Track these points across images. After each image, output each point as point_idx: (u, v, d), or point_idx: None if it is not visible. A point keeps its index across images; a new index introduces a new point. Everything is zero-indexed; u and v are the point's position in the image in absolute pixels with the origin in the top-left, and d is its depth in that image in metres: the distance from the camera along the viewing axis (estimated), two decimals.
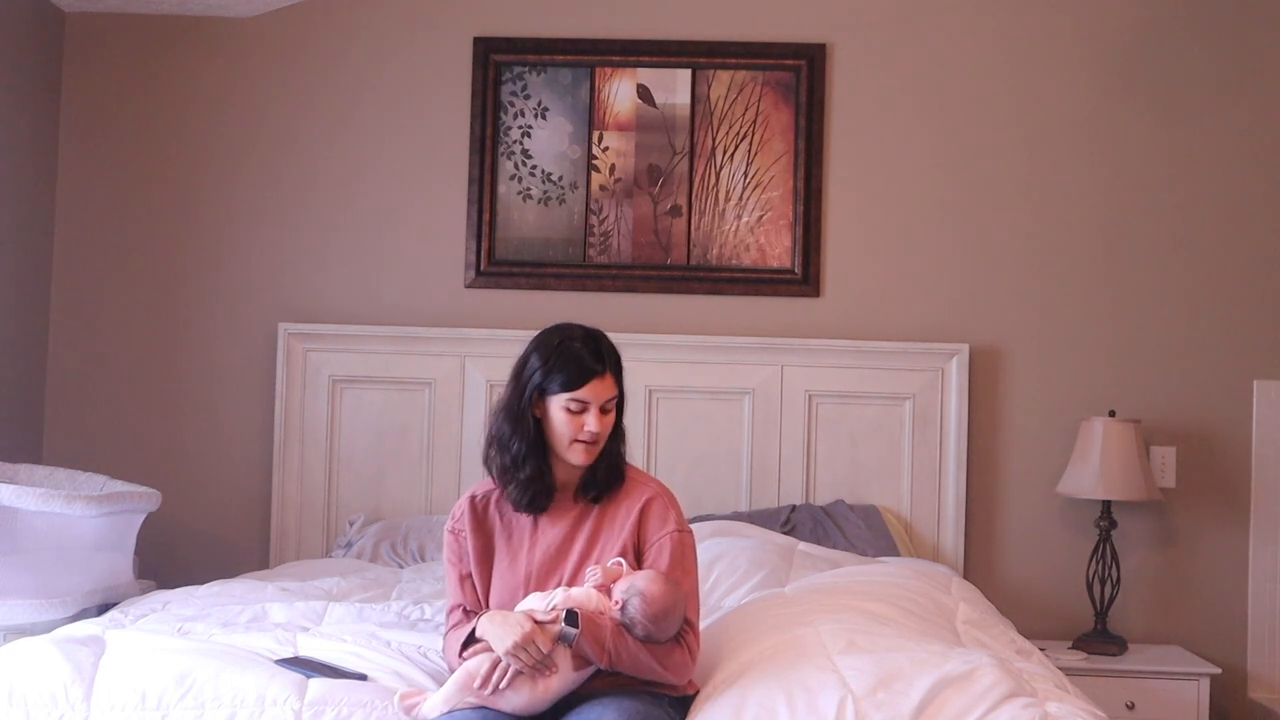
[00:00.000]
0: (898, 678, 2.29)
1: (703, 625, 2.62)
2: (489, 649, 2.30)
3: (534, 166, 4.18)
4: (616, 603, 2.32)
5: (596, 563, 2.44)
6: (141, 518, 3.52)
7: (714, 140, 4.16)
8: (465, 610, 2.49)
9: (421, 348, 4.10)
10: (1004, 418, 4.09)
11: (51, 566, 3.19)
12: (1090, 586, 3.90)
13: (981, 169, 4.13)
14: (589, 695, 2.31)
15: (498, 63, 4.19)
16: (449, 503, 4.01)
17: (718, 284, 4.14)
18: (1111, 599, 3.90)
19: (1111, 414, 3.91)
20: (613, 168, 4.17)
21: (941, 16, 4.16)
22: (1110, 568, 3.89)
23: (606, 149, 4.17)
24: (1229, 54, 4.10)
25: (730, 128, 4.16)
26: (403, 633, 2.73)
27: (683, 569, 2.43)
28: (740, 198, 4.15)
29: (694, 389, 4.07)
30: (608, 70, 4.18)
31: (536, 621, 2.28)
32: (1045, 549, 4.06)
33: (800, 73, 4.14)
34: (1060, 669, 2.76)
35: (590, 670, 2.31)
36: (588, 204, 4.17)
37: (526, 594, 2.44)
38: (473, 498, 2.56)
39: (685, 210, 4.16)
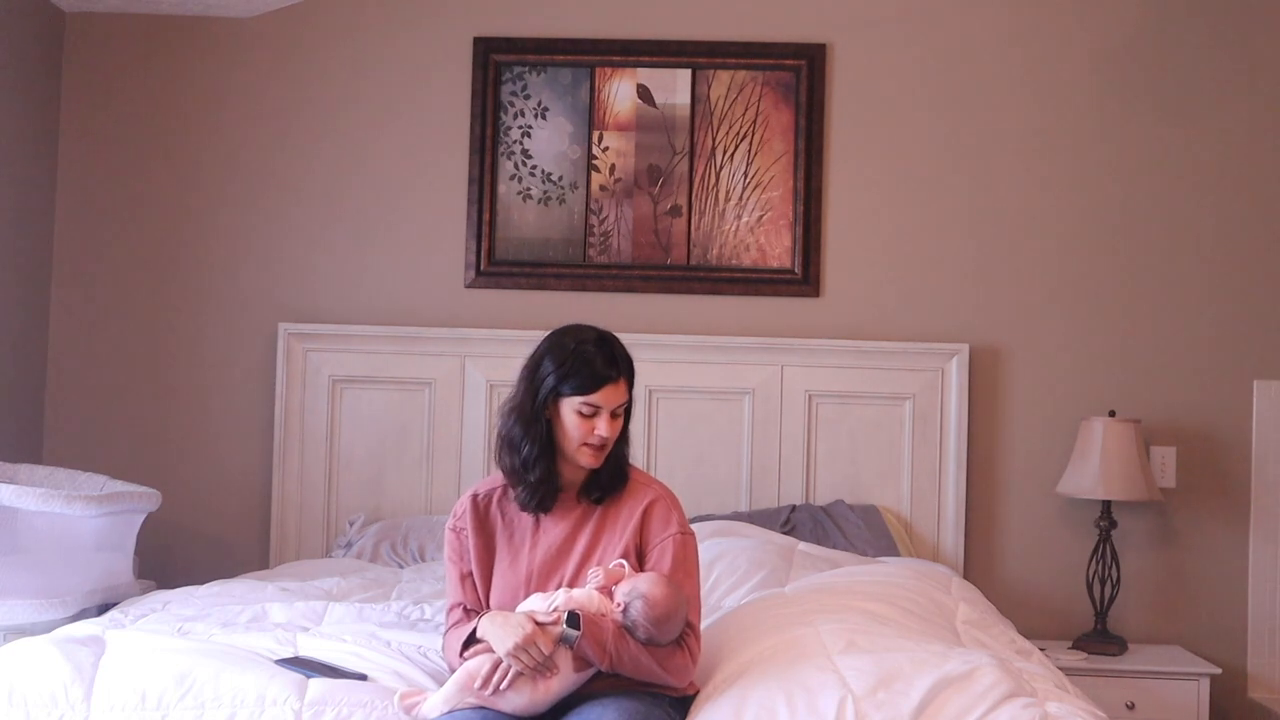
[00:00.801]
0: (898, 678, 2.29)
1: (703, 626, 2.62)
2: (489, 649, 2.30)
3: (534, 166, 4.18)
4: (618, 605, 2.32)
5: (598, 564, 2.43)
6: (141, 518, 3.52)
7: (714, 140, 4.16)
8: (465, 609, 2.49)
9: (421, 348, 4.10)
10: (1004, 418, 4.09)
11: (51, 566, 3.19)
12: (1090, 586, 3.90)
13: (981, 169, 4.13)
14: (589, 695, 2.31)
15: (498, 63, 4.19)
16: (449, 503, 4.01)
17: (718, 284, 4.14)
18: (1111, 599, 3.90)
19: (1111, 414, 3.91)
20: (613, 168, 4.17)
21: (942, 16, 4.16)
22: (1110, 568, 3.89)
23: (606, 149, 4.17)
24: (1229, 54, 4.10)
25: (730, 128, 4.16)
26: (403, 633, 2.73)
27: (685, 571, 2.43)
28: (740, 198, 4.15)
29: (694, 389, 4.07)
30: (608, 70, 4.18)
31: (538, 623, 2.27)
32: (1045, 549, 4.06)
33: (800, 73, 4.14)
34: (1060, 669, 2.76)
35: (591, 672, 2.31)
36: (588, 204, 4.17)
37: (527, 594, 2.43)
38: (475, 496, 2.55)
39: (685, 210, 4.16)
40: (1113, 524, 3.90)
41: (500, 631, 2.27)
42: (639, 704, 2.26)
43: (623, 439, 2.52)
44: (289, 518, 4.08)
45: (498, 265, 4.17)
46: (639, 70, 4.18)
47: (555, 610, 2.31)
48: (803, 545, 3.60)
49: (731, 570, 3.28)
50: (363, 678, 2.42)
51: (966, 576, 3.94)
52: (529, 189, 4.18)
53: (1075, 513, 4.04)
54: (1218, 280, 4.08)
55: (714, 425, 4.07)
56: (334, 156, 4.21)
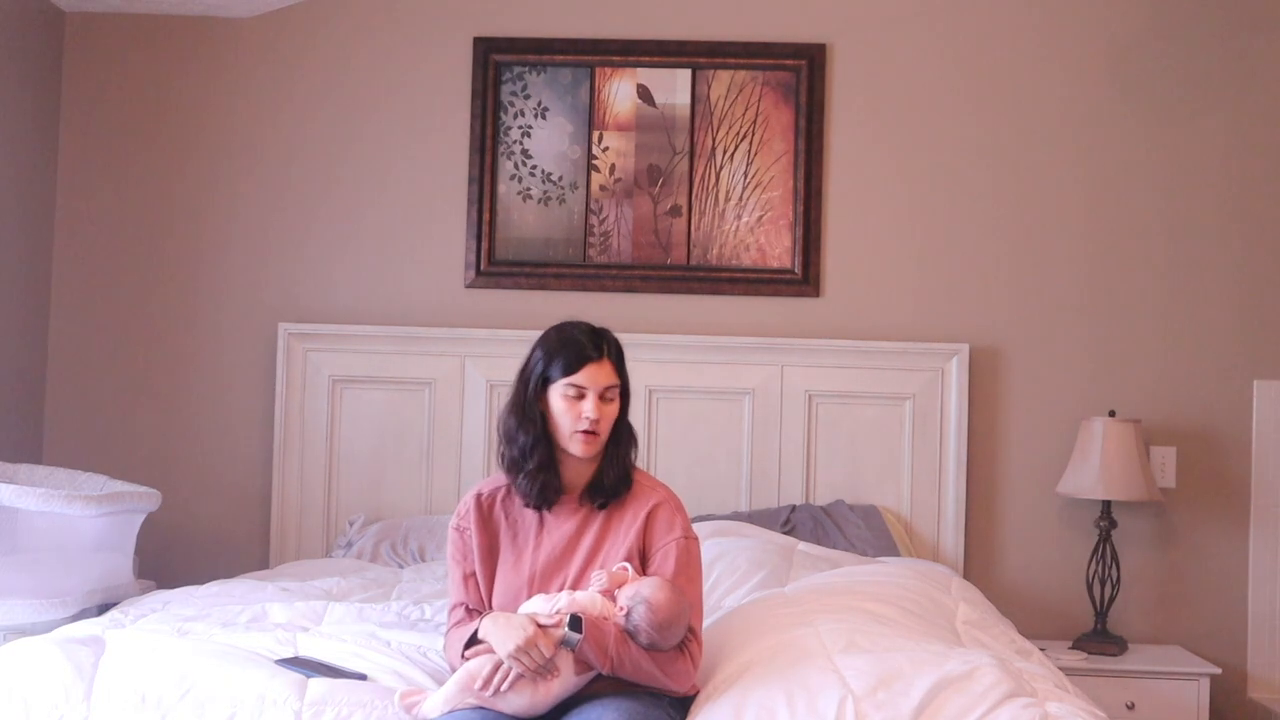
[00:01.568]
0: (898, 678, 2.29)
1: (703, 627, 2.62)
2: (491, 650, 2.29)
3: (534, 166, 4.18)
4: (621, 609, 2.31)
5: (601, 566, 2.43)
6: (141, 518, 3.52)
7: (714, 140, 4.16)
8: (468, 609, 2.49)
9: (421, 348, 4.10)
10: (1004, 418, 4.09)
11: (51, 566, 3.19)
12: (1090, 586, 3.90)
13: (981, 169, 4.13)
14: (589, 696, 2.31)
15: (498, 63, 4.19)
16: (449, 503, 4.02)
17: (718, 284, 4.14)
18: (1111, 599, 3.90)
19: (1111, 414, 3.91)
20: (613, 168, 4.17)
21: (941, 17, 4.16)
22: (1110, 568, 3.89)
23: (606, 149, 4.17)
24: (1228, 54, 4.09)
25: (730, 128, 4.16)
26: (403, 633, 2.73)
27: (688, 576, 2.43)
28: (740, 198, 4.15)
29: (694, 389, 4.07)
30: (608, 70, 4.18)
31: (539, 625, 2.27)
32: (1045, 549, 4.06)
33: (800, 73, 4.14)
34: (1060, 669, 2.76)
35: (591, 674, 2.30)
36: (588, 204, 4.17)
37: (530, 594, 2.43)
38: (479, 495, 2.55)
39: (685, 210, 4.16)
40: (1113, 524, 3.90)
41: (501, 633, 2.27)
42: (639, 704, 2.26)
43: (623, 440, 2.52)
44: (289, 518, 4.08)
45: (498, 265, 4.17)
46: (639, 70, 4.18)
47: (557, 612, 2.30)
48: (803, 545, 3.60)
49: (731, 570, 3.28)
50: (363, 678, 2.42)
51: (966, 576, 3.94)
52: (529, 189, 4.18)
53: (1075, 513, 4.04)
54: (1218, 280, 4.08)
55: (714, 425, 4.07)
56: (333, 156, 4.21)
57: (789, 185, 4.14)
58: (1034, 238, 4.12)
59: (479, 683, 2.25)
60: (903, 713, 2.20)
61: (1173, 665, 3.75)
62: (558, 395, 2.46)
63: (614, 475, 2.49)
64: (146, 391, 4.20)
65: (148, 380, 4.20)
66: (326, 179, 4.21)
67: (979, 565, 4.06)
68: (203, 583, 3.28)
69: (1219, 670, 3.74)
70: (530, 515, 2.52)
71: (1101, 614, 3.89)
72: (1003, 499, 4.08)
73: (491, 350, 4.05)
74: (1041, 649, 3.07)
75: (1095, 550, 3.91)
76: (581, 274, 4.15)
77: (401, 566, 3.69)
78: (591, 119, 4.18)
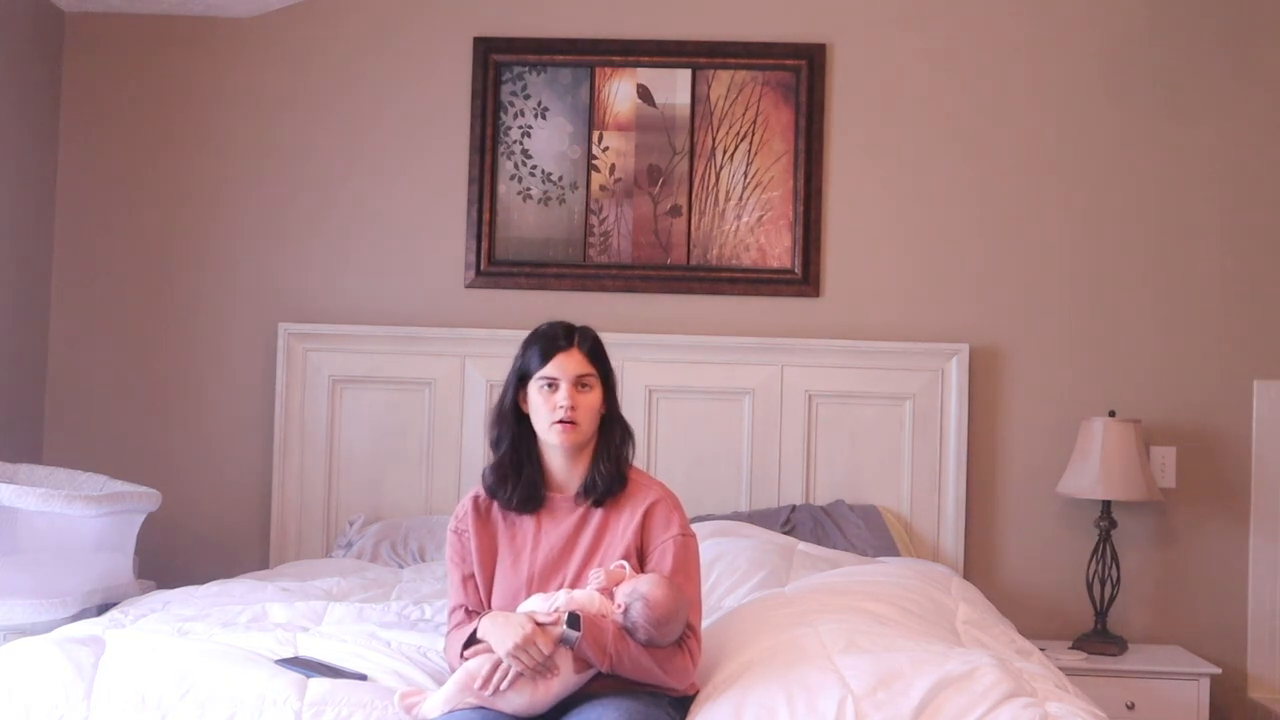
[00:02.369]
0: (898, 678, 2.29)
1: (703, 627, 2.62)
2: (490, 650, 2.29)
3: (534, 166, 4.18)
4: (619, 606, 2.31)
5: (599, 565, 2.43)
6: (141, 518, 3.52)
7: (714, 140, 4.16)
8: (467, 610, 2.49)
9: (421, 348, 4.10)
10: (1004, 418, 4.09)
11: (51, 566, 3.19)
12: (1090, 586, 3.90)
13: (982, 168, 4.14)
14: (589, 695, 2.31)
15: (498, 63, 4.19)
16: (449, 503, 4.02)
17: (718, 284, 4.14)
18: (1111, 599, 3.90)
19: (1111, 414, 3.91)
20: (613, 168, 4.17)
21: (941, 16, 4.16)
22: (1110, 568, 3.89)
23: (606, 149, 4.17)
24: (1228, 54, 4.09)
25: (730, 128, 4.16)
26: (403, 633, 2.73)
27: (686, 574, 2.43)
28: (740, 198, 4.15)
29: (694, 389, 4.07)
30: (608, 70, 4.18)
31: (538, 623, 2.27)
32: (1045, 549, 4.06)
33: (800, 73, 4.14)
34: (1060, 669, 2.76)
35: (591, 673, 2.30)
36: (588, 204, 4.17)
37: (529, 595, 2.43)
38: (476, 498, 2.56)
39: (685, 210, 4.16)
40: (1113, 524, 3.90)
41: (500, 632, 2.27)
42: (639, 704, 2.26)
43: (615, 437, 2.52)
44: (289, 518, 4.08)
45: (498, 265, 4.17)
46: (639, 70, 4.18)
47: (556, 611, 2.30)
48: (803, 545, 3.60)
49: (731, 570, 3.28)
50: (363, 678, 2.42)
51: (966, 576, 3.94)
52: (529, 189, 4.18)
53: (1075, 513, 4.04)
54: (1218, 280, 4.08)
55: (714, 425, 4.07)
56: (334, 156, 4.21)
57: (789, 185, 4.14)
58: (1034, 238, 4.12)
59: (478, 682, 2.25)
60: (903, 713, 2.20)
61: (1173, 665, 3.75)
62: (535, 391, 2.49)
63: (606, 471, 2.49)
64: (146, 391, 4.20)
65: (148, 380, 4.20)
66: (326, 179, 4.21)
67: (979, 565, 4.06)
68: (203, 583, 3.28)
69: (1219, 670, 3.74)
70: (527, 517, 2.52)
71: (1101, 614, 3.89)
72: (1003, 499, 4.08)
73: (491, 350, 4.05)
74: (1041, 649, 3.07)
75: (1095, 550, 3.91)
76: (581, 274, 4.15)
77: (401, 566, 3.69)
78: (591, 119, 4.18)
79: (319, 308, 4.19)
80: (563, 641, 2.25)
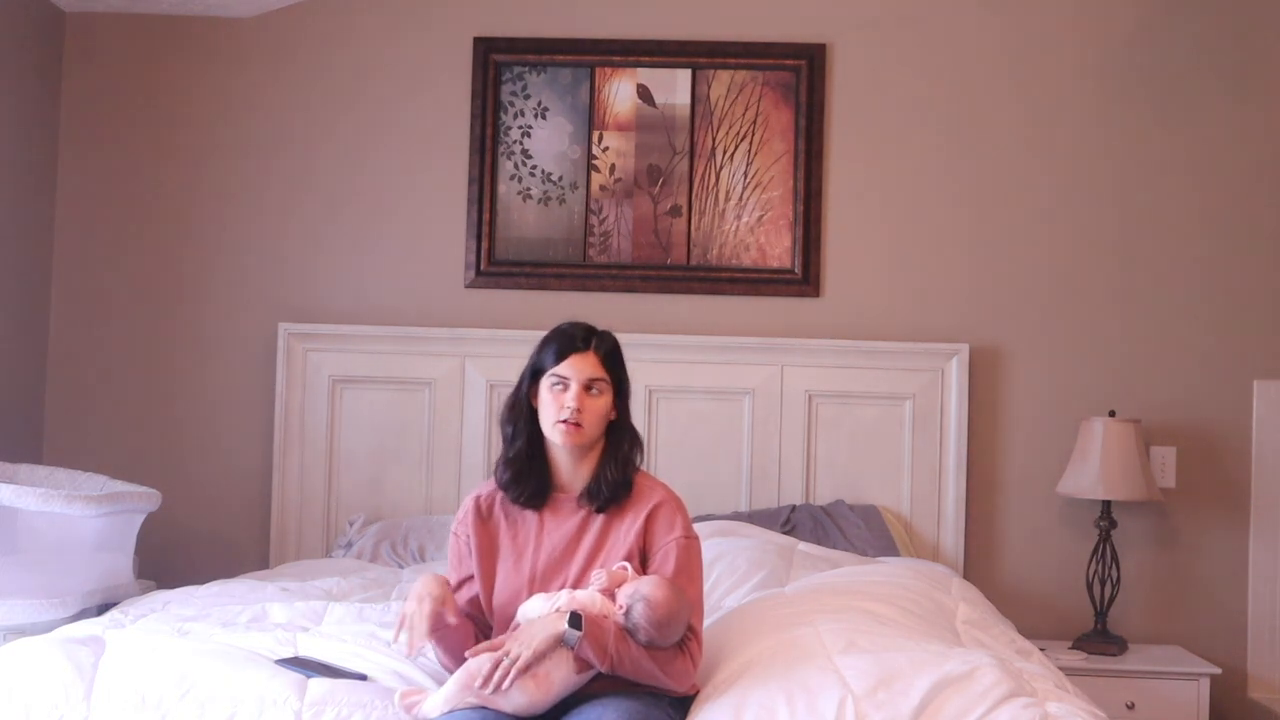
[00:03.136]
0: (898, 678, 2.29)
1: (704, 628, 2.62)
2: (493, 648, 2.30)
3: (534, 166, 4.18)
4: (621, 607, 2.31)
5: (602, 566, 2.43)
6: (141, 518, 3.52)
7: (714, 140, 4.16)
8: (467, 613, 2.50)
9: (421, 348, 4.10)
10: (1004, 418, 4.09)
11: (51, 566, 3.19)
12: (1090, 586, 3.90)
13: (982, 169, 4.14)
14: (589, 695, 2.30)
15: (498, 63, 4.19)
16: (449, 503, 4.03)
17: (718, 284, 4.14)
18: (1111, 599, 3.90)
19: (1111, 414, 3.91)
20: (613, 168, 4.17)
21: (942, 16, 4.16)
22: (1110, 568, 3.89)
23: (606, 149, 4.17)
24: (1229, 54, 4.10)
25: (730, 128, 4.16)
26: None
27: (688, 576, 2.43)
28: (740, 198, 4.15)
29: (694, 389, 4.07)
30: (608, 70, 4.18)
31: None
32: (1045, 549, 4.06)
33: (800, 73, 4.14)
34: (1060, 669, 2.75)
35: (591, 673, 2.30)
36: (588, 204, 4.17)
37: (530, 595, 2.43)
38: (477, 498, 2.56)
39: (685, 210, 4.16)
40: (1113, 524, 3.90)
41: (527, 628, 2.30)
42: (639, 704, 2.26)
43: (623, 444, 2.52)
44: (289, 518, 4.08)
45: (498, 265, 4.17)
46: (639, 70, 4.18)
47: (558, 610, 2.31)
48: (803, 545, 3.60)
49: (731, 570, 3.28)
50: (363, 678, 2.42)
51: (966, 576, 3.94)
52: (529, 189, 4.18)
53: (1075, 513, 4.04)
54: (1218, 280, 4.08)
55: (714, 425, 4.07)
56: (334, 156, 4.21)
57: (789, 185, 4.14)
58: (1034, 237, 4.12)
59: (480, 681, 2.25)
60: (903, 713, 2.20)
61: (1173, 665, 3.75)
62: (545, 387, 2.49)
63: (611, 477, 2.48)
64: (146, 391, 4.20)
65: (148, 380, 4.20)
66: (326, 179, 4.21)
67: (979, 565, 4.06)
68: (203, 583, 3.28)
69: (1219, 670, 3.74)
70: (531, 516, 2.52)
71: (1101, 614, 3.89)
72: (1003, 499, 4.08)
73: (491, 350, 4.05)
74: (1041, 649, 3.07)
75: (1095, 550, 3.91)
76: (581, 274, 4.15)
77: (401, 566, 3.69)
78: (591, 119, 4.18)
79: (319, 308, 4.18)
80: (564, 642, 2.25)
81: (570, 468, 2.51)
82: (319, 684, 2.35)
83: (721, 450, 4.07)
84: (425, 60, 4.21)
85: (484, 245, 4.16)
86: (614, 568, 2.41)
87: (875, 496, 4.04)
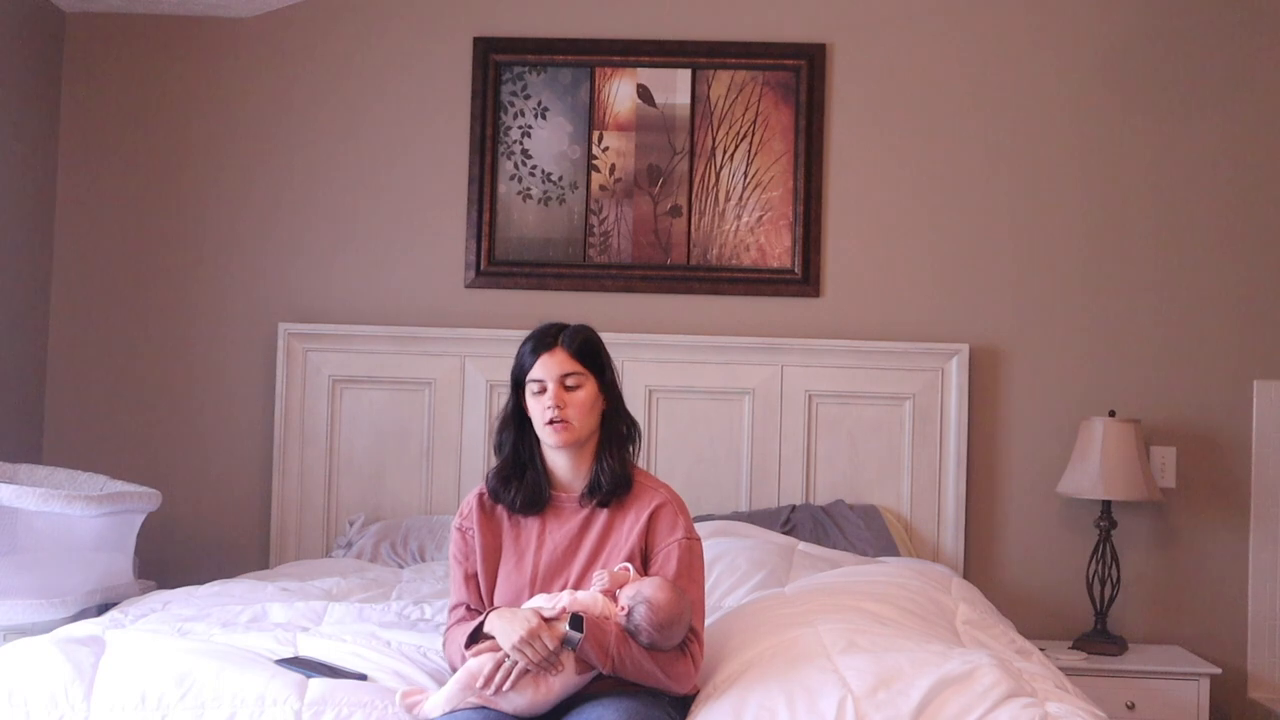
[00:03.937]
0: (898, 678, 2.29)
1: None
2: (494, 648, 2.29)
3: (534, 166, 4.18)
4: (622, 609, 2.31)
5: (603, 567, 2.43)
6: (141, 518, 3.52)
7: (714, 140, 4.16)
8: (469, 608, 2.49)
9: (421, 348, 4.10)
10: (1004, 418, 4.09)
11: (51, 566, 3.19)
12: (1090, 586, 3.90)
13: (981, 169, 4.14)
14: (590, 695, 2.30)
15: (498, 63, 4.19)
16: (449, 503, 4.03)
17: (718, 284, 4.14)
18: (1111, 599, 3.90)
19: (1111, 414, 3.91)
20: (613, 168, 4.17)
21: (941, 17, 4.16)
22: (1110, 568, 3.89)
23: (606, 149, 4.17)
24: (1227, 54, 4.10)
25: (730, 128, 4.16)
26: (403, 633, 2.73)
27: (690, 577, 2.43)
28: (740, 198, 4.15)
29: (694, 389, 4.07)
30: (608, 70, 4.18)
31: (543, 618, 2.28)
32: (1045, 549, 4.06)
33: (800, 73, 4.14)
34: (1060, 669, 2.76)
35: (592, 674, 2.30)
36: (588, 204, 4.17)
37: (532, 595, 2.43)
38: (481, 495, 2.56)
39: (685, 210, 4.16)
40: (1113, 524, 3.90)
41: (506, 625, 2.28)
42: (639, 704, 2.26)
43: (615, 436, 2.52)
44: (289, 518, 4.08)
45: (498, 265, 4.17)
46: (639, 70, 4.18)
47: (559, 610, 2.30)
48: (803, 545, 3.60)
49: (731, 570, 3.28)
50: (363, 678, 2.42)
51: (966, 576, 3.94)
52: (529, 189, 4.18)
53: (1075, 513, 4.04)
54: (1218, 280, 4.08)
55: (714, 425, 4.07)
56: (333, 156, 4.21)
57: (789, 185, 4.14)
58: (1034, 238, 4.12)
59: (480, 681, 2.25)
60: (903, 713, 2.20)
61: (1173, 665, 3.75)
62: (530, 397, 2.50)
63: (609, 468, 2.49)
64: (146, 391, 4.20)
65: (148, 380, 4.20)
66: (327, 179, 4.21)
67: (979, 565, 4.06)
68: (203, 583, 3.28)
69: (1219, 670, 3.74)
70: (533, 516, 2.52)
71: (1101, 614, 3.89)
72: (1003, 499, 4.08)
73: (491, 350, 4.05)
74: (1041, 649, 3.07)
75: (1095, 550, 3.91)
76: (581, 274, 4.15)
77: (401, 566, 3.69)
78: (591, 119, 4.18)
79: (319, 308, 4.19)
80: (565, 643, 2.25)
81: (568, 467, 2.51)
82: (319, 684, 2.35)
83: (721, 450, 4.07)
84: (425, 60, 4.21)
85: (484, 245, 4.16)
86: (616, 569, 2.41)
87: (875, 496, 4.04)
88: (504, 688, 2.24)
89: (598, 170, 4.17)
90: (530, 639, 2.23)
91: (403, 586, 3.32)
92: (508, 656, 2.25)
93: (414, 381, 4.11)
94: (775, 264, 4.14)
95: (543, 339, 2.51)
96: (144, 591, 3.41)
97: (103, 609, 3.18)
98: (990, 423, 4.09)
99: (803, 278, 4.12)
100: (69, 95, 4.24)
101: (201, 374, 4.20)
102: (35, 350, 4.15)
